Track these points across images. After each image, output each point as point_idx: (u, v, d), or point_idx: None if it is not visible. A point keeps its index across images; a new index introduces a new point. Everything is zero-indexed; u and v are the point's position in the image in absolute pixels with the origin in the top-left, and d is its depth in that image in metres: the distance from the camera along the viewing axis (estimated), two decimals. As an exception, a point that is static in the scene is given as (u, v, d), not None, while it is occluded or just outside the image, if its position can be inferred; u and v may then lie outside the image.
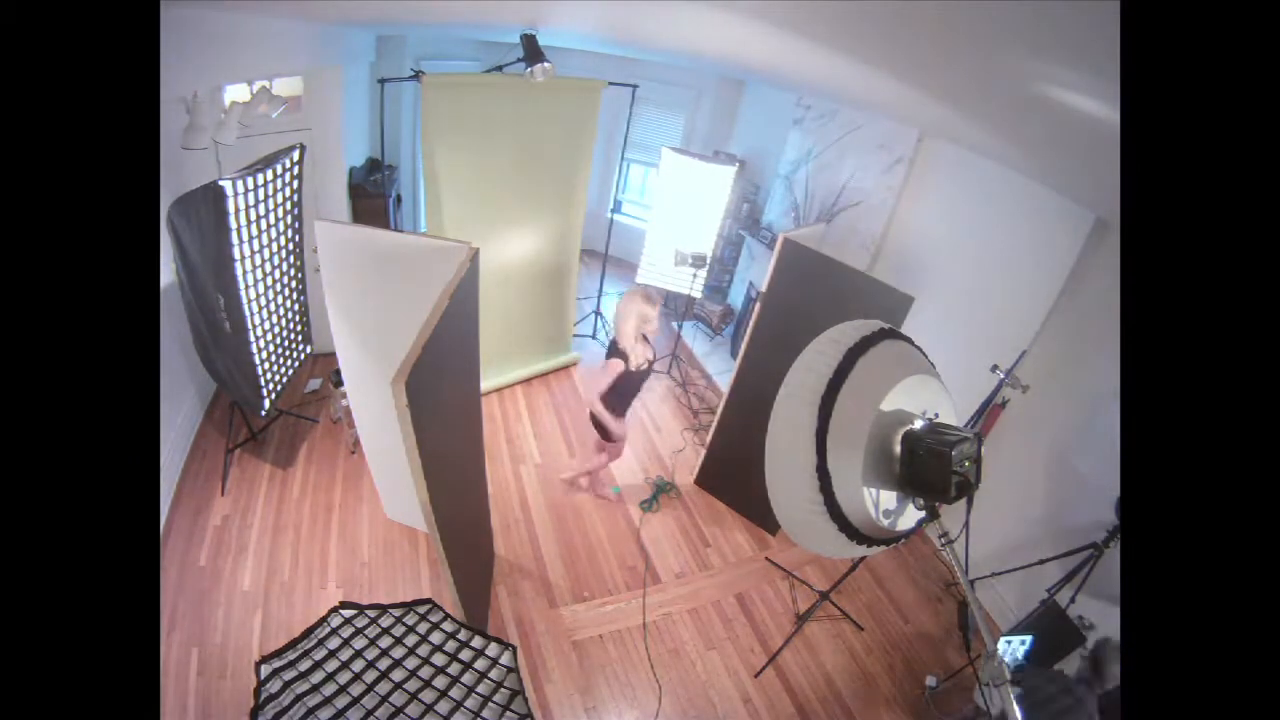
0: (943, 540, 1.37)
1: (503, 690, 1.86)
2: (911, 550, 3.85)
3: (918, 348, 1.56)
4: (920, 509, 1.41)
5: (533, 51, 3.26)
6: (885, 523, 1.43)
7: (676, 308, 5.70)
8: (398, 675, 1.76)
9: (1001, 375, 3.04)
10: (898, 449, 1.38)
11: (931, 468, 1.32)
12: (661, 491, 3.89)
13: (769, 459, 1.48)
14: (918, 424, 1.38)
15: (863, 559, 2.88)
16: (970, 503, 1.38)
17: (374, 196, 4.26)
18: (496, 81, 3.50)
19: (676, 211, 4.86)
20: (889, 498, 1.43)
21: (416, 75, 3.17)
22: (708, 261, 4.82)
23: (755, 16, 2.03)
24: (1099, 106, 1.54)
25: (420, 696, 1.71)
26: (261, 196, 2.72)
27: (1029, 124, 1.99)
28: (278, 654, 1.66)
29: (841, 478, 1.35)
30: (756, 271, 5.39)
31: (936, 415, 1.44)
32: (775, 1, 1.73)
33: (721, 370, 5.29)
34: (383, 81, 3.46)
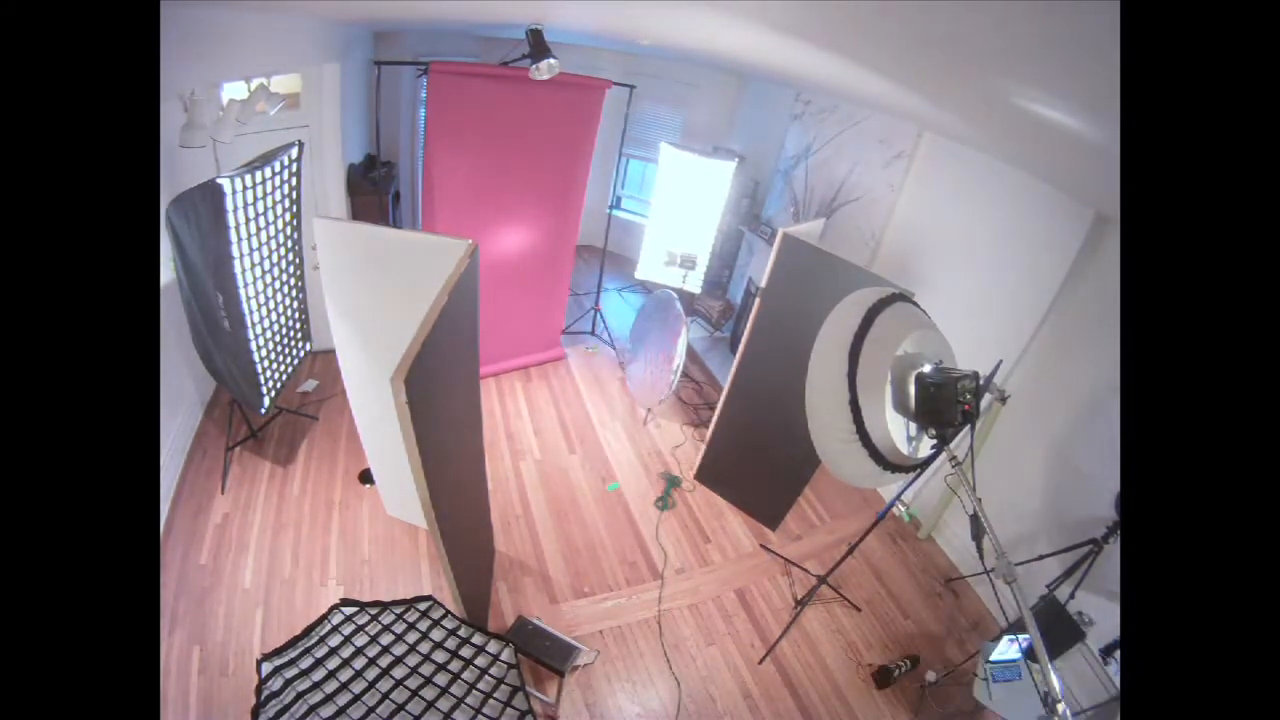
0: (953, 463, 1.65)
1: (504, 686, 1.87)
2: (911, 546, 3.86)
3: (922, 309, 1.89)
4: (933, 438, 1.69)
5: (538, 47, 3.24)
6: (906, 450, 1.72)
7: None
8: (399, 672, 1.77)
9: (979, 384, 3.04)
10: (912, 387, 1.66)
11: (940, 400, 1.61)
12: (674, 487, 3.91)
13: (809, 400, 1.81)
14: (927, 367, 1.67)
15: (857, 545, 2.92)
16: (974, 429, 1.67)
17: (372, 193, 4.25)
18: (501, 74, 3.49)
19: (676, 207, 4.85)
20: (908, 427, 1.72)
21: (425, 69, 3.15)
22: (696, 264, 4.83)
23: (758, 19, 2.03)
24: (1095, 131, 1.57)
25: (421, 693, 1.72)
26: (260, 194, 2.71)
27: (1027, 127, 1.99)
28: (279, 651, 1.67)
29: (869, 411, 1.66)
30: (756, 267, 5.38)
31: (941, 361, 1.73)
32: (776, 3, 1.73)
33: (721, 365, 5.30)
34: (379, 64, 3.45)
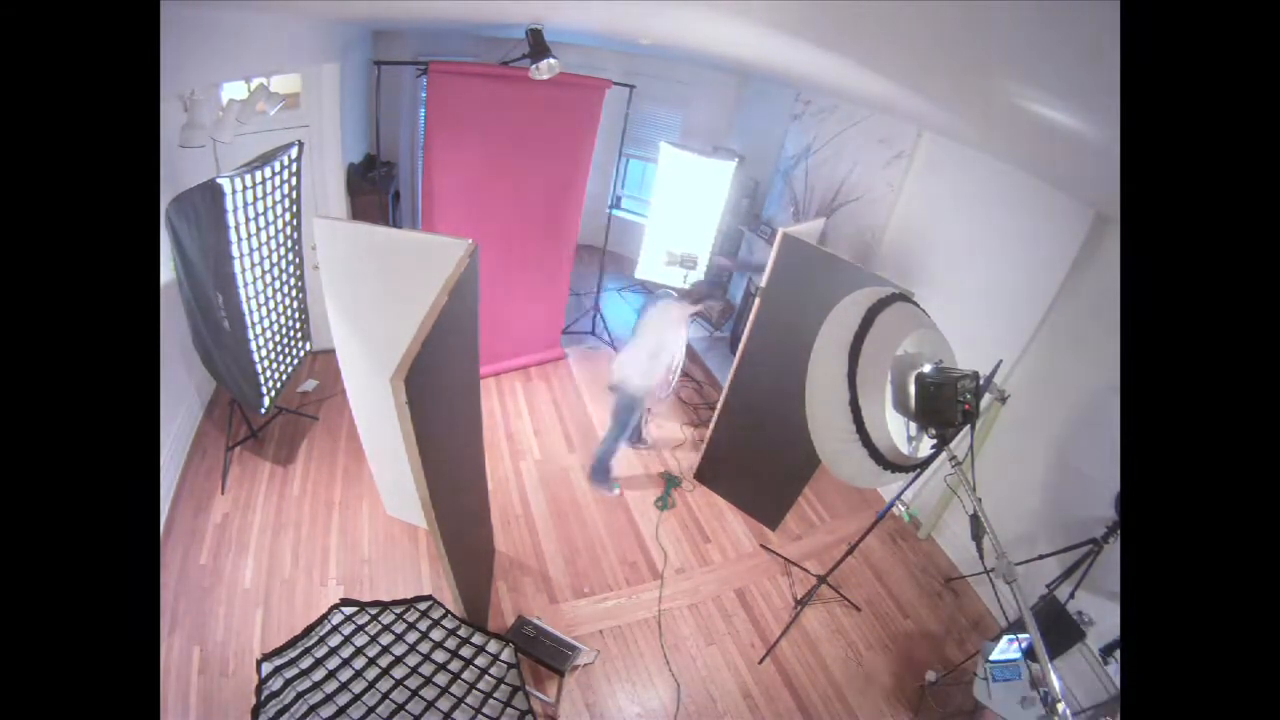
0: (953, 463, 1.66)
1: (504, 686, 1.87)
2: (911, 546, 3.86)
3: (922, 309, 1.90)
4: (933, 437, 1.70)
5: (538, 47, 3.24)
6: (906, 449, 1.73)
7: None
8: (399, 672, 1.77)
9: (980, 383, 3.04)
10: (912, 387, 1.67)
11: (940, 399, 1.62)
12: (674, 486, 3.91)
13: (809, 399, 1.82)
14: (927, 367, 1.68)
15: (857, 545, 2.93)
16: (974, 429, 1.68)
17: (372, 193, 4.25)
18: (501, 74, 3.49)
19: (676, 207, 4.85)
20: (908, 427, 1.73)
21: (425, 69, 3.15)
22: (697, 263, 4.82)
23: (758, 19, 2.03)
24: (1095, 131, 1.57)
25: (421, 693, 1.72)
26: (260, 194, 2.71)
27: (1027, 127, 2.00)
28: (279, 651, 1.67)
29: (869, 411, 1.66)
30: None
31: (941, 361, 1.74)
32: (778, 4, 1.73)
33: (721, 365, 5.29)
34: (379, 64, 3.45)
